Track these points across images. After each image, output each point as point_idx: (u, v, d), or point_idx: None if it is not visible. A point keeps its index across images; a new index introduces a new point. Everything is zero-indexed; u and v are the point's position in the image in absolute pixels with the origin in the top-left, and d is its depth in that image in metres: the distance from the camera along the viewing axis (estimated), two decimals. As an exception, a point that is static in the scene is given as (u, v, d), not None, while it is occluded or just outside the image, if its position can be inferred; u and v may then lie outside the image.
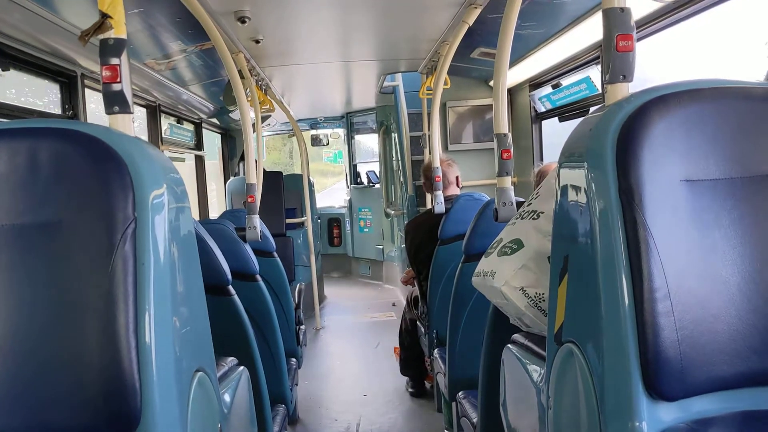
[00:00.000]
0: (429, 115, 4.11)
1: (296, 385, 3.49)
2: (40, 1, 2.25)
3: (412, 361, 4.14)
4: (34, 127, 1.17)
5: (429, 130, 4.13)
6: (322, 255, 8.01)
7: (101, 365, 1.05)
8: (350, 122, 8.52)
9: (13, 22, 2.30)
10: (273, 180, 5.59)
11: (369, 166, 8.67)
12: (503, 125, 2.12)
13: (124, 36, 1.30)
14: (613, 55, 1.24)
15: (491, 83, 4.75)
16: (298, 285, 4.30)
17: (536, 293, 1.57)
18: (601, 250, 1.09)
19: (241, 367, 1.79)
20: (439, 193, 3.51)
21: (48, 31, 2.49)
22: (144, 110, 4.28)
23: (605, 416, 1.07)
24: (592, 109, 3.50)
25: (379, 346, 5.34)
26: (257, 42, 3.49)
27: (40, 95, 2.92)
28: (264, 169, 3.72)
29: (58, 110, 2.90)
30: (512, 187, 2.15)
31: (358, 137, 8.73)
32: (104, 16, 1.28)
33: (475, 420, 2.35)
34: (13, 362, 1.08)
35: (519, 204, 1.97)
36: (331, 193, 12.57)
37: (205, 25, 2.46)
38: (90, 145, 1.13)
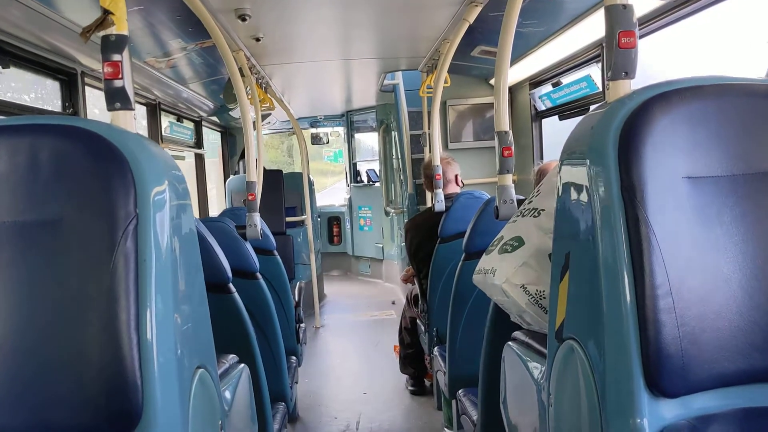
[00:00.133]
0: (429, 113, 4.11)
1: (296, 383, 3.49)
2: None
3: (412, 359, 4.14)
4: (35, 123, 1.17)
5: (429, 129, 4.13)
6: (322, 253, 8.02)
7: (102, 362, 1.05)
8: (350, 120, 8.51)
9: (13, 20, 2.30)
10: (273, 178, 5.58)
11: (369, 165, 8.67)
12: (504, 123, 2.12)
13: (125, 32, 1.30)
14: (615, 51, 1.24)
15: (491, 81, 4.76)
16: (298, 283, 4.30)
17: (537, 290, 1.57)
18: (603, 247, 1.09)
19: (242, 365, 1.79)
20: (440, 192, 3.51)
21: (48, 29, 2.48)
22: (144, 108, 4.28)
23: (606, 413, 1.07)
24: (592, 107, 3.51)
25: (379, 344, 5.34)
26: (257, 40, 3.49)
27: (27, 90, 2.91)
28: (264, 168, 3.71)
29: (47, 105, 2.89)
30: (513, 185, 2.15)
31: (358, 136, 8.73)
32: (106, 13, 1.27)
33: (475, 418, 2.35)
34: (14, 360, 1.07)
35: (519, 202, 1.96)
36: (331, 193, 12.55)
37: (205, 23, 2.46)
38: (91, 141, 1.13)
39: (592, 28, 3.10)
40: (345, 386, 4.48)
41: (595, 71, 3.56)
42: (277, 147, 13.46)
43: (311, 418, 3.86)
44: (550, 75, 4.10)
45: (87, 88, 3.04)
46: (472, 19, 2.99)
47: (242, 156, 6.70)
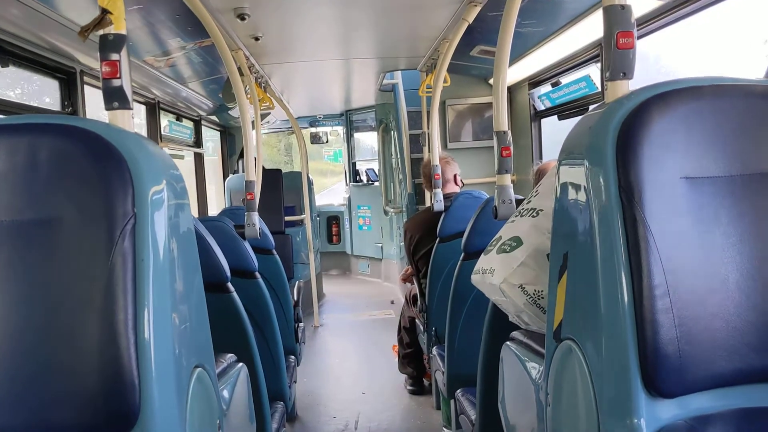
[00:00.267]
0: (428, 113, 4.11)
1: (295, 382, 3.49)
2: None
3: (410, 359, 4.14)
4: (33, 122, 1.17)
5: (428, 128, 4.13)
6: (321, 253, 8.02)
7: (100, 362, 1.05)
8: (349, 120, 8.51)
9: (12, 19, 2.30)
10: (272, 178, 5.57)
11: (368, 164, 8.67)
12: (503, 123, 2.12)
13: (123, 32, 1.30)
14: (613, 52, 1.24)
15: (491, 81, 4.75)
16: (297, 282, 4.30)
17: (535, 290, 1.58)
18: (601, 248, 1.09)
19: (240, 364, 1.79)
20: (438, 191, 3.51)
21: (47, 28, 2.48)
22: (143, 107, 4.28)
23: (604, 413, 1.08)
24: (591, 107, 3.51)
25: (378, 344, 5.34)
26: (257, 39, 3.49)
27: (13, 86, 2.90)
28: (263, 167, 3.71)
29: (36, 102, 2.88)
30: (511, 185, 2.15)
31: (357, 135, 8.72)
32: (104, 12, 1.27)
33: (473, 417, 2.35)
34: (11, 360, 1.07)
35: (518, 202, 1.97)
36: (331, 193, 12.54)
37: (204, 22, 2.46)
38: (89, 141, 1.13)
39: (592, 28, 3.10)
40: (344, 386, 4.48)
41: (594, 71, 3.56)
42: (274, 146, 13.41)
43: (310, 418, 3.86)
44: (550, 75, 4.10)
45: (88, 88, 3.04)
46: (471, 18, 2.99)
47: (241, 155, 6.70)
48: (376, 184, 8.15)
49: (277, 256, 3.51)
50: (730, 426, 1.08)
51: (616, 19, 1.24)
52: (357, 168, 8.71)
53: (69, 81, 2.92)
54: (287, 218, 5.98)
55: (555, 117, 4.32)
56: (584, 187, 1.14)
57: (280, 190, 5.58)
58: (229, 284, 2.25)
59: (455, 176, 3.72)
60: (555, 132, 4.48)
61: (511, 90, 4.72)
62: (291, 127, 7.20)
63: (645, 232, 1.04)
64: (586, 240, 1.13)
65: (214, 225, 2.63)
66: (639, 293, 1.03)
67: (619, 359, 1.05)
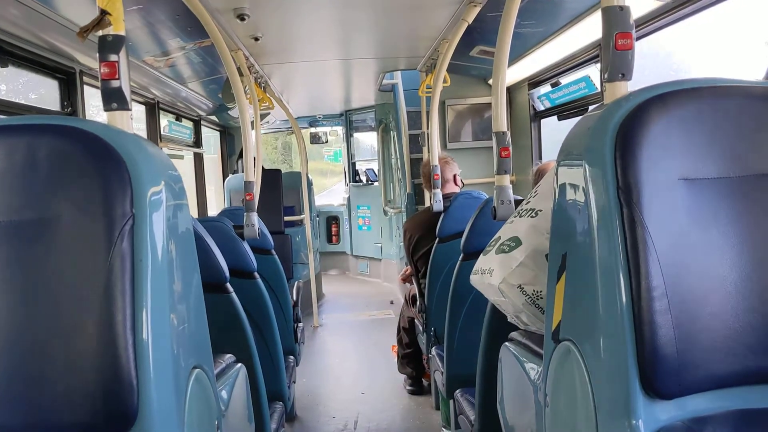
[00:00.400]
0: (428, 113, 4.11)
1: (294, 382, 3.49)
2: None
3: (409, 359, 4.15)
4: (32, 123, 1.17)
5: (428, 129, 4.13)
6: (321, 253, 8.02)
7: (98, 362, 1.05)
8: (349, 120, 8.51)
9: (11, 19, 2.30)
10: (271, 178, 5.58)
11: (368, 164, 8.67)
12: (502, 123, 2.12)
13: (122, 32, 1.30)
14: (612, 53, 1.24)
15: (490, 81, 4.75)
16: (296, 283, 4.30)
17: (534, 291, 1.58)
18: (599, 249, 1.09)
19: (239, 364, 1.79)
20: (438, 191, 3.51)
21: (47, 28, 2.48)
22: (143, 107, 4.28)
23: (602, 414, 1.08)
24: (591, 107, 3.52)
25: (378, 344, 5.34)
26: (256, 39, 3.49)
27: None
28: (263, 167, 3.71)
29: (21, 99, 2.87)
30: (510, 185, 2.15)
31: (357, 135, 8.72)
32: (103, 13, 1.27)
33: (472, 417, 2.35)
34: (10, 360, 1.07)
35: (517, 202, 1.97)
36: (330, 193, 12.53)
37: (204, 22, 2.46)
38: (88, 141, 1.13)
39: (591, 29, 3.10)
40: (343, 386, 4.48)
41: (594, 72, 3.56)
42: (269, 143, 13.35)
43: (309, 418, 3.86)
44: (549, 75, 4.10)
45: (88, 88, 3.04)
46: (470, 19, 2.99)
47: (241, 155, 6.70)
48: (376, 184, 8.15)
49: (276, 257, 3.51)
50: (728, 427, 1.08)
51: (615, 20, 1.24)
52: (356, 168, 8.71)
53: (68, 81, 2.92)
54: (286, 218, 5.98)
55: (555, 117, 4.32)
56: (583, 187, 1.14)
57: (280, 191, 5.58)
58: (228, 285, 2.25)
59: (455, 176, 3.72)
60: (559, 131, 4.48)
61: (511, 90, 4.72)
62: (291, 127, 7.20)
63: (643, 233, 1.04)
64: (585, 241, 1.13)
65: (213, 225, 2.63)
66: (637, 294, 1.03)
67: (617, 360, 1.05)
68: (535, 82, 4.36)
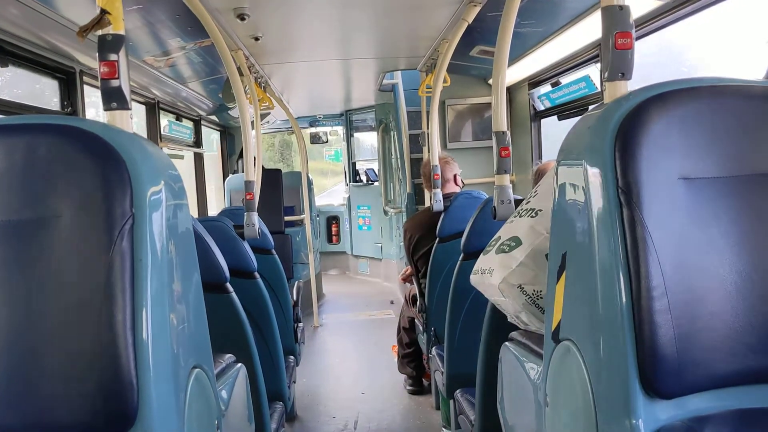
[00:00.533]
0: (428, 113, 4.11)
1: (294, 382, 3.49)
2: None
3: (410, 359, 4.15)
4: (32, 123, 1.17)
5: (428, 128, 4.13)
6: (321, 253, 8.02)
7: (98, 362, 1.05)
8: (349, 120, 8.51)
9: (11, 18, 2.30)
10: (272, 177, 5.58)
11: (368, 164, 8.67)
12: (502, 123, 2.12)
13: (122, 32, 1.30)
14: (611, 52, 1.24)
15: (490, 81, 4.75)
16: (296, 282, 4.30)
17: (534, 290, 1.58)
18: (599, 248, 1.09)
19: (239, 364, 1.79)
20: (438, 191, 3.51)
21: (46, 28, 2.48)
22: (143, 107, 4.28)
23: (602, 414, 1.08)
24: (591, 107, 3.51)
25: (378, 343, 5.34)
26: (256, 39, 3.49)
27: None
28: (263, 167, 3.71)
29: (6, 95, 2.86)
30: (510, 185, 2.15)
31: (357, 135, 8.73)
32: (103, 12, 1.27)
33: (472, 417, 2.35)
34: (9, 360, 1.07)
35: (517, 202, 1.97)
36: (330, 195, 12.51)
37: (204, 22, 2.46)
38: (88, 141, 1.13)
39: (591, 29, 3.10)
40: (343, 386, 4.48)
41: (594, 71, 3.56)
42: (267, 141, 13.25)
43: (309, 418, 3.86)
44: (549, 75, 4.10)
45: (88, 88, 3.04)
46: (470, 19, 2.99)
47: (241, 155, 6.70)
48: (376, 184, 8.15)
49: (276, 256, 3.51)
50: (727, 427, 1.08)
51: (615, 19, 1.24)
52: (357, 168, 8.71)
53: (68, 81, 2.92)
54: (287, 218, 5.99)
55: (555, 117, 4.32)
56: (583, 187, 1.14)
57: (280, 190, 5.58)
58: (228, 284, 2.25)
59: (455, 176, 3.72)
60: (554, 132, 4.48)
61: (511, 90, 4.72)
62: (291, 127, 7.20)
63: (643, 232, 1.04)
64: (585, 240, 1.13)
65: (213, 225, 2.63)
66: (637, 294, 1.03)
67: (617, 360, 1.05)
68: (535, 81, 4.36)
